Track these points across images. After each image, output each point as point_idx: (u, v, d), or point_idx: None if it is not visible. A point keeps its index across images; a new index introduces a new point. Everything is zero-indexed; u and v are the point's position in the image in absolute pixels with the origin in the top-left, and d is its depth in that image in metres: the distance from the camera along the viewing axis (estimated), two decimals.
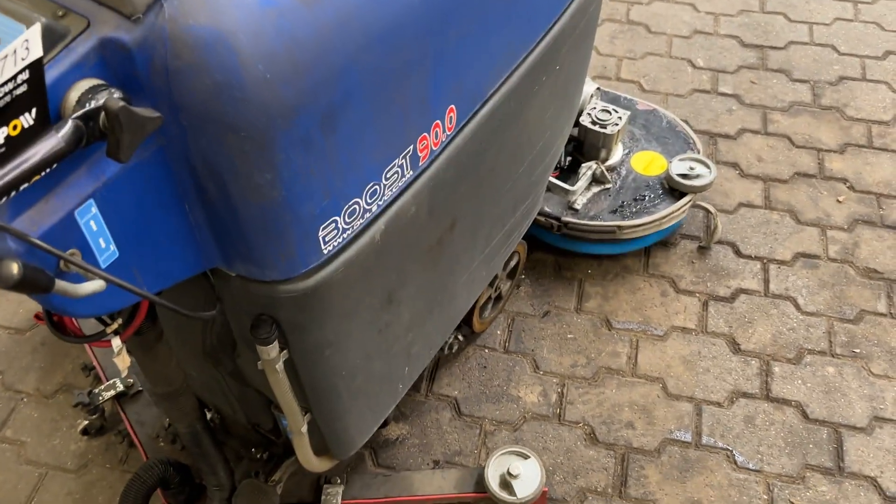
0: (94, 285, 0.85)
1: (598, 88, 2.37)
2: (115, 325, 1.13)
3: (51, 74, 0.79)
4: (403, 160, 1.18)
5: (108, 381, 1.99)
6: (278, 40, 0.89)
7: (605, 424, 2.01)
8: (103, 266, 0.92)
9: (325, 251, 1.12)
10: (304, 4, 0.91)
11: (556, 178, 2.25)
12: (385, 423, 1.93)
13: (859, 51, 3.07)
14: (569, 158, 2.31)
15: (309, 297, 1.16)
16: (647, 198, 2.27)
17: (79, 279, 0.87)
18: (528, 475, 1.76)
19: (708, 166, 2.28)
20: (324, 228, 1.09)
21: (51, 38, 0.81)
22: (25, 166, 0.74)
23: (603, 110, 2.29)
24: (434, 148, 1.24)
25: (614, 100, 2.51)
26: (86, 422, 1.98)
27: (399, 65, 1.06)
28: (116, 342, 1.15)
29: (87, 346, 2.07)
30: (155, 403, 1.38)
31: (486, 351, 2.18)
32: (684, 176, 2.26)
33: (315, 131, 0.98)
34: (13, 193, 0.75)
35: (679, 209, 2.23)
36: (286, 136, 0.94)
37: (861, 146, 2.72)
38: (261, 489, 1.70)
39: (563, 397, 2.06)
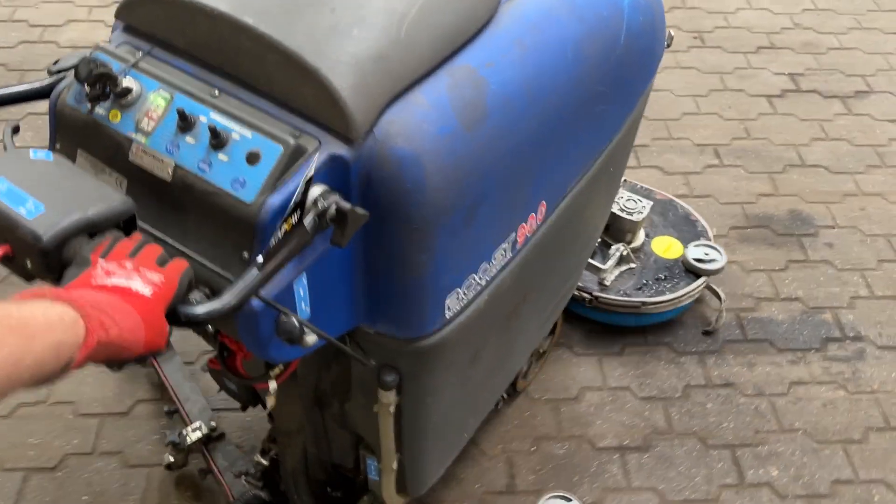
0: (314, 338, 1.13)
1: (625, 180, 2.70)
2: (277, 370, 1.40)
3: (296, 181, 1.08)
4: (507, 244, 1.47)
5: (191, 423, 2.23)
6: (448, 157, 1.19)
7: None
8: None
9: (447, 316, 1.41)
10: (466, 130, 1.21)
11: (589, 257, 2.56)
12: None
13: None
14: (598, 241, 2.62)
15: (429, 351, 1.43)
16: (666, 278, 2.58)
17: None
18: None
19: (720, 252, 2.60)
20: (449, 297, 1.38)
21: (294, 155, 1.10)
22: (290, 251, 1.03)
23: (629, 199, 2.61)
24: (528, 235, 1.53)
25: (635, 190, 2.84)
26: (171, 458, 2.20)
27: (517, 171, 1.37)
28: (273, 384, 1.42)
29: (172, 391, 2.32)
30: (277, 440, 1.63)
31: None
32: (699, 260, 2.57)
33: (459, 223, 1.28)
34: (281, 271, 1.04)
35: (695, 289, 2.54)
36: (443, 227, 1.24)
37: None
38: None
39: None
